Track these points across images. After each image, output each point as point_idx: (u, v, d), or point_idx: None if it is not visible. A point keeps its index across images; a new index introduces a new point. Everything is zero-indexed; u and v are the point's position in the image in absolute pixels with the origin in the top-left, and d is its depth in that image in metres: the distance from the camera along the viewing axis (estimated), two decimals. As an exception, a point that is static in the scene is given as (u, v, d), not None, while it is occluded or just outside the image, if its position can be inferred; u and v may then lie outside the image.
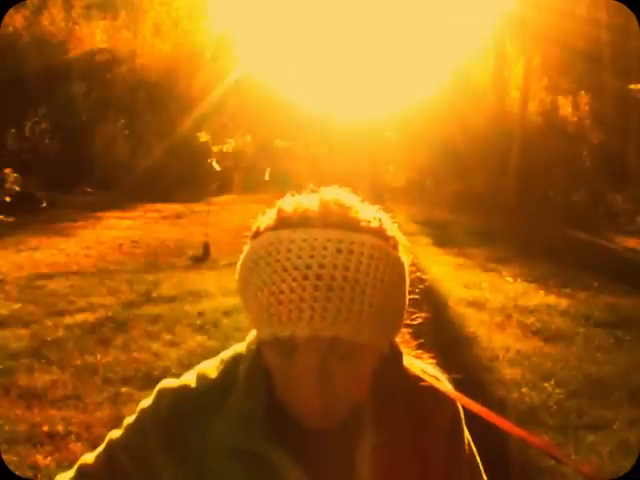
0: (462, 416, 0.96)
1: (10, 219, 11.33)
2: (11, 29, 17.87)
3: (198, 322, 5.70)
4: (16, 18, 18.08)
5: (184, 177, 16.83)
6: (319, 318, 0.75)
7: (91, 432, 3.65)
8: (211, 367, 0.93)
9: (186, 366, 4.06)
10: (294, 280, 0.75)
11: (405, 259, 0.85)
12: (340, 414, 0.83)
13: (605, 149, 17.27)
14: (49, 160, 15.51)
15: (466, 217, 13.40)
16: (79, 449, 3.40)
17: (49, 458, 3.37)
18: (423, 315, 0.93)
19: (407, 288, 0.85)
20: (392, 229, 0.85)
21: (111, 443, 0.95)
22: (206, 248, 8.92)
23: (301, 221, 0.80)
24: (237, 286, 0.85)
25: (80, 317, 5.77)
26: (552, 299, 6.87)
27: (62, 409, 3.96)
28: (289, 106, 22.68)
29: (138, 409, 0.94)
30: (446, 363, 1.01)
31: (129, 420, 0.95)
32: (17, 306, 6.04)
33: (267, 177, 18.37)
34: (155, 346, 5.08)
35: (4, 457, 3.20)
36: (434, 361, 0.98)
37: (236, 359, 0.92)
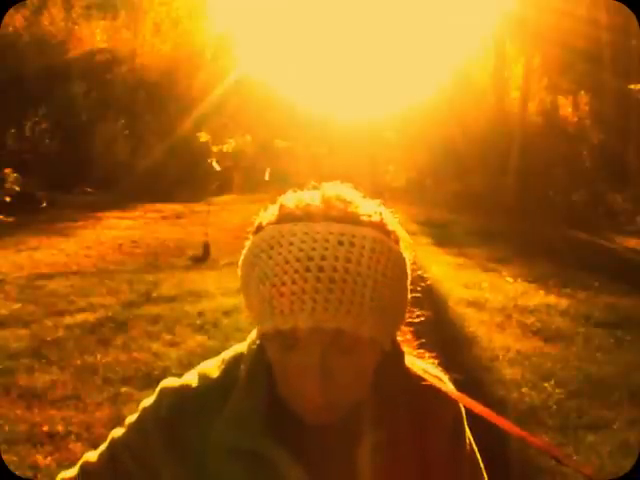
0: (464, 416, 0.96)
1: (10, 219, 11.34)
2: (11, 29, 17.88)
3: (198, 322, 5.70)
4: (16, 18, 18.10)
5: (184, 177, 16.84)
6: (321, 310, 0.75)
7: (91, 432, 3.65)
8: (212, 367, 0.93)
9: (186, 366, 4.07)
10: (296, 272, 0.76)
11: (407, 255, 0.85)
12: (341, 410, 0.83)
13: (605, 149, 17.28)
14: (49, 160, 15.52)
15: (466, 217, 13.40)
16: (79, 449, 3.40)
17: (49, 458, 3.37)
18: (426, 313, 0.93)
19: (409, 284, 0.85)
20: (393, 224, 0.85)
21: (113, 442, 0.96)
22: (206, 248, 8.92)
23: (303, 215, 0.80)
24: (239, 281, 0.85)
25: (80, 317, 5.77)
26: (552, 299, 6.87)
27: (62, 409, 3.95)
28: (289, 106, 22.71)
29: (140, 408, 0.95)
30: (446, 363, 1.01)
31: (131, 419, 0.96)
32: (17, 306, 6.04)
33: (267, 177, 18.37)
34: (155, 346, 5.08)
35: (4, 457, 3.20)
36: (435, 361, 0.98)
37: (237, 359, 0.92)
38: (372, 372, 0.84)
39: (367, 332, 0.77)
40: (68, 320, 5.67)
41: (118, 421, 1.00)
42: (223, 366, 0.92)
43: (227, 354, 0.95)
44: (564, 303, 6.71)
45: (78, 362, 4.70)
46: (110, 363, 4.69)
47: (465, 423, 0.97)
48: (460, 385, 0.98)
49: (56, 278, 7.26)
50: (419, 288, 0.89)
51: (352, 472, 0.86)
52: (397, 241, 0.84)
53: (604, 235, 12.56)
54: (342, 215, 0.80)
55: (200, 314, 5.90)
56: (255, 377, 0.88)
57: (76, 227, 11.41)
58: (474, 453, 0.99)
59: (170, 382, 0.94)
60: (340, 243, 0.77)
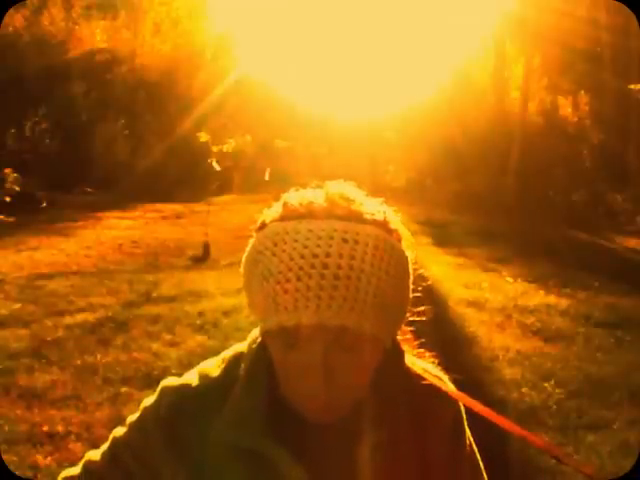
0: (464, 416, 0.96)
1: (10, 219, 11.33)
2: (11, 29, 17.87)
3: (198, 322, 5.69)
4: (16, 18, 18.09)
5: (184, 177, 16.84)
6: (325, 307, 0.75)
7: (91, 432, 3.65)
8: (212, 366, 0.93)
9: (186, 366, 4.06)
10: (300, 269, 0.76)
11: (409, 253, 0.85)
12: (342, 409, 0.83)
13: (605, 149, 17.27)
14: (49, 160, 15.51)
15: (466, 217, 13.40)
16: (79, 449, 3.40)
17: (49, 458, 3.37)
18: (429, 312, 0.94)
19: (410, 282, 0.85)
20: (396, 223, 0.86)
21: (115, 441, 0.97)
22: (206, 248, 8.92)
23: (307, 213, 0.80)
24: (242, 279, 0.85)
25: (80, 317, 5.77)
26: (552, 299, 6.87)
27: (62, 409, 3.95)
28: (289, 106, 22.72)
29: (141, 407, 0.95)
30: (446, 363, 1.01)
31: (132, 418, 0.96)
32: (17, 306, 6.04)
33: (267, 177, 18.37)
34: (155, 346, 5.08)
35: (4, 457, 3.20)
36: (435, 361, 0.98)
37: (237, 358, 0.92)
38: (373, 371, 0.84)
39: (369, 329, 0.78)
40: (68, 320, 5.67)
41: (118, 421, 1.01)
42: (223, 365, 0.93)
43: (227, 353, 0.95)
44: (564, 303, 6.71)
45: (78, 362, 4.70)
46: (110, 363, 4.69)
47: (465, 423, 0.97)
48: (460, 385, 0.98)
49: (56, 278, 7.26)
50: (420, 288, 0.90)
51: (352, 471, 0.86)
52: (400, 240, 0.85)
53: (604, 235, 12.56)
54: (346, 213, 0.80)
55: (200, 314, 5.90)
56: (255, 376, 0.88)
57: (76, 227, 11.41)
58: (474, 453, 0.99)
59: (170, 381, 0.94)
60: (344, 240, 0.77)
